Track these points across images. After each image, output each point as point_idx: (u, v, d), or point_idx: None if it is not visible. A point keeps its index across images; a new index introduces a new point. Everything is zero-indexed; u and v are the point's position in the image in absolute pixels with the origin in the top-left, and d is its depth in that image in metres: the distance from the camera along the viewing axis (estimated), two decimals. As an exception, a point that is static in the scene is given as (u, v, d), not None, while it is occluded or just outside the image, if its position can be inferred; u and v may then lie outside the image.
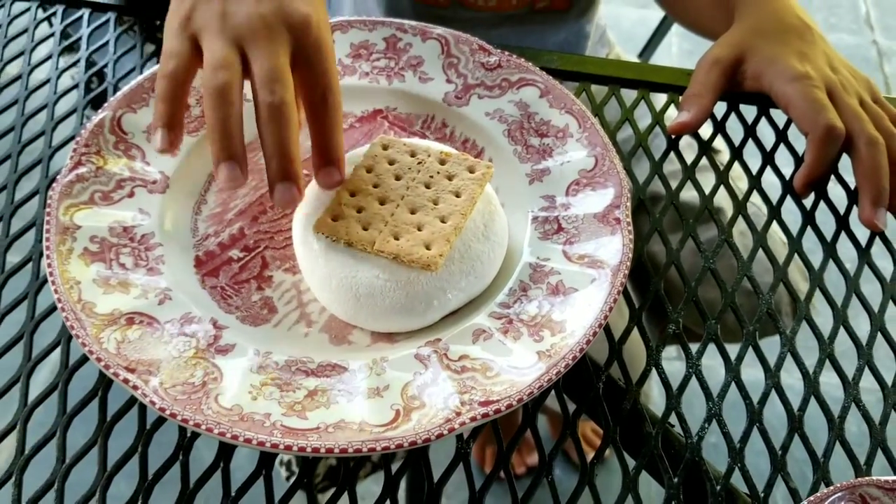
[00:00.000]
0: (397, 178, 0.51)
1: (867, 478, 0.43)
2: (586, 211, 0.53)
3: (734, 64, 0.63)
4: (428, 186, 0.51)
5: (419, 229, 0.49)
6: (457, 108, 0.59)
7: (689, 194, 0.61)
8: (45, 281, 0.51)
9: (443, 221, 0.49)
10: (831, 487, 0.42)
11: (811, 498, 0.42)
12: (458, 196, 0.50)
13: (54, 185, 0.51)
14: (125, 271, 0.48)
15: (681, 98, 0.64)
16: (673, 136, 0.62)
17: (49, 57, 0.68)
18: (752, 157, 0.62)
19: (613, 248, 0.50)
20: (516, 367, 0.45)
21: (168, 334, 0.46)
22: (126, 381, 0.43)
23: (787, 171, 0.61)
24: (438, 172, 0.51)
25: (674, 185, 0.60)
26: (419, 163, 0.52)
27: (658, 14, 1.39)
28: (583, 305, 0.48)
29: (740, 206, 0.59)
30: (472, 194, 0.50)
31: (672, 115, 0.70)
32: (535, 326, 0.47)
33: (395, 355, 0.46)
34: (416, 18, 0.63)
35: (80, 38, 0.69)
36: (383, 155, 0.52)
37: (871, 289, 0.54)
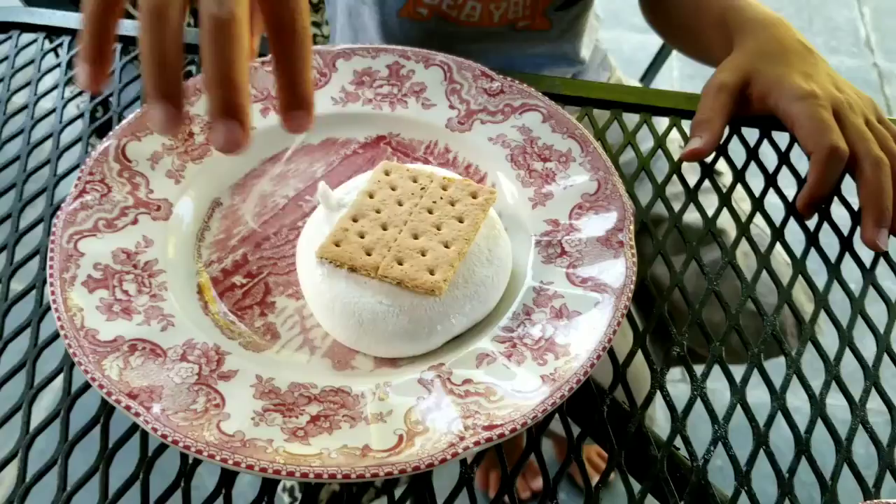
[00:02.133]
0: (400, 203, 0.51)
1: (876, 501, 0.42)
2: (589, 234, 0.53)
3: (740, 87, 0.63)
4: (431, 212, 0.51)
5: (423, 254, 0.49)
6: (459, 134, 0.59)
7: (691, 216, 0.61)
8: (49, 308, 0.51)
9: (446, 246, 0.49)
10: (840, 510, 0.42)
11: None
12: (461, 221, 0.50)
13: (59, 213, 0.51)
14: (128, 298, 0.48)
15: (690, 124, 0.64)
16: (684, 161, 0.62)
17: (55, 87, 0.69)
18: (755, 179, 0.62)
19: (617, 271, 0.50)
20: (520, 391, 0.45)
21: (170, 361, 0.46)
22: (128, 407, 0.42)
23: (790, 192, 0.61)
24: (441, 198, 0.52)
25: (676, 207, 0.60)
26: (422, 188, 0.52)
27: (659, 39, 1.39)
28: (586, 329, 0.47)
29: (744, 228, 0.58)
30: (476, 219, 0.50)
31: (674, 139, 0.70)
32: (538, 350, 0.47)
33: (399, 380, 0.46)
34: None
35: None
36: (386, 181, 0.53)
37: (877, 310, 0.54)
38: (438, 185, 0.52)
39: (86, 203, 0.52)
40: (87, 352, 0.45)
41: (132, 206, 0.53)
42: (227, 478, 0.45)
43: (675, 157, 0.63)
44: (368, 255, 0.49)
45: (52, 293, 0.47)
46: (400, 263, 0.48)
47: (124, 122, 0.56)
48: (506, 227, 0.54)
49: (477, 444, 0.42)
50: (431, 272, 0.48)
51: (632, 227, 0.52)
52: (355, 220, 0.50)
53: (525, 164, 0.57)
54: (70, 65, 0.71)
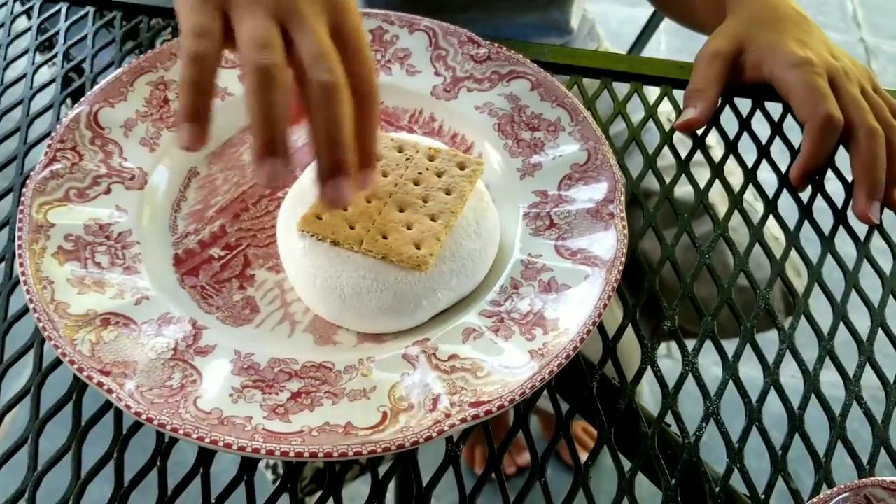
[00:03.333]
0: (384, 174, 0.50)
1: (872, 478, 0.41)
2: (579, 206, 0.51)
3: (734, 55, 0.62)
4: (417, 183, 0.49)
5: (408, 228, 0.47)
6: (445, 102, 0.58)
7: (681, 190, 0.60)
8: (18, 282, 0.49)
9: (433, 220, 0.48)
10: (835, 489, 0.41)
11: (815, 499, 0.41)
12: (448, 193, 0.49)
13: (28, 182, 0.49)
14: (101, 270, 0.46)
15: (683, 94, 0.62)
16: (677, 132, 0.61)
17: (26, 52, 0.66)
18: (747, 153, 0.60)
19: (607, 243, 0.48)
20: (508, 367, 0.43)
21: (145, 335, 0.44)
22: (100, 384, 0.41)
23: (783, 165, 0.60)
24: (427, 169, 0.50)
25: (667, 179, 0.58)
26: (407, 159, 0.50)
27: (646, 12, 1.37)
28: (576, 303, 0.46)
29: (735, 201, 0.57)
30: (463, 191, 0.49)
31: (664, 110, 0.69)
32: (526, 325, 0.45)
33: (382, 356, 0.44)
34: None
35: (57, 33, 0.67)
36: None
37: (871, 283, 0.53)
38: (424, 156, 0.50)
39: (56, 171, 0.50)
40: (58, 326, 0.43)
41: (105, 174, 0.51)
42: (206, 456, 0.43)
43: (666, 127, 0.62)
44: (352, 227, 0.47)
45: (21, 266, 0.45)
46: (384, 237, 0.47)
47: (97, 87, 0.54)
48: (493, 198, 0.52)
49: (463, 420, 0.41)
50: (417, 246, 0.46)
51: (623, 199, 0.50)
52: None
53: (513, 134, 0.56)
54: (42, 29, 0.68)
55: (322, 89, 0.39)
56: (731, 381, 0.48)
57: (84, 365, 0.41)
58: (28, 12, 0.70)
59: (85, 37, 0.67)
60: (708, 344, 0.50)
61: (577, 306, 0.46)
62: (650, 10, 1.29)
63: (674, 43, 2.21)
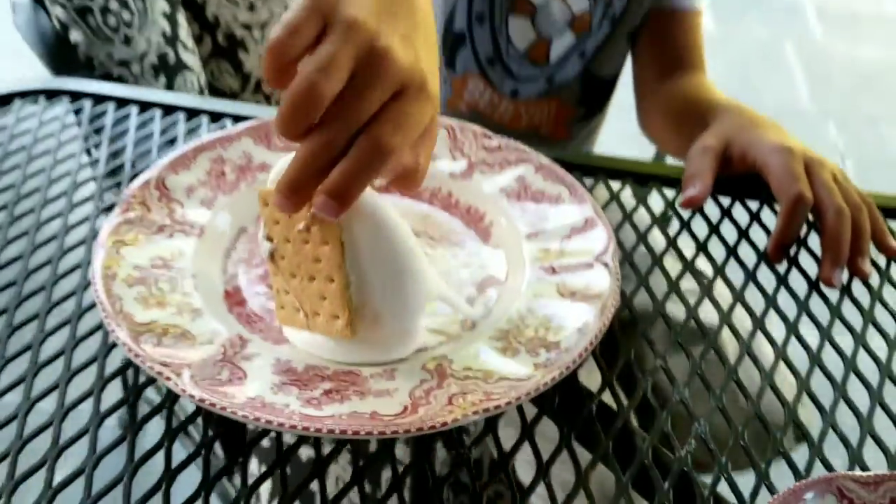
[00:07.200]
0: (287, 240, 0.48)
1: (843, 472, 0.46)
2: (578, 260, 0.59)
3: (722, 148, 0.72)
4: (306, 241, 0.47)
5: (323, 298, 0.48)
6: (461, 181, 0.67)
7: (674, 308, 0.63)
8: (79, 342, 0.55)
9: (331, 281, 0.48)
10: (808, 479, 0.45)
11: (789, 488, 0.45)
12: (325, 243, 0.47)
13: (104, 225, 0.57)
14: (162, 294, 0.54)
15: (682, 181, 0.70)
16: (682, 208, 0.69)
17: (72, 156, 0.74)
18: (735, 274, 0.65)
19: (603, 285, 0.56)
20: (515, 375, 0.49)
21: (198, 344, 0.50)
22: (160, 373, 0.47)
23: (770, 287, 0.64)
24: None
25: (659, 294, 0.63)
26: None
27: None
28: (574, 330, 0.53)
29: (726, 320, 0.61)
30: (335, 236, 0.46)
31: (642, 219, 0.76)
32: (532, 346, 0.52)
33: (404, 367, 0.51)
34: None
35: (103, 127, 0.77)
36: (268, 215, 0.48)
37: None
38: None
39: (128, 219, 0.58)
40: (125, 328, 0.49)
41: (169, 224, 0.59)
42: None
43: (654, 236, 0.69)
44: (297, 311, 0.50)
45: (94, 286, 0.53)
46: (317, 315, 0.49)
47: (164, 159, 0.64)
48: (505, 257, 0.60)
49: (476, 413, 0.46)
50: (336, 316, 0.48)
51: (615, 253, 0.58)
52: (275, 275, 0.50)
53: (520, 206, 0.64)
54: (96, 131, 0.77)
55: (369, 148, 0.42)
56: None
57: (147, 359, 0.48)
58: (77, 112, 0.80)
59: (127, 131, 0.76)
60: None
61: (576, 333, 0.52)
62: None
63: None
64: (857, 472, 0.46)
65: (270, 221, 0.48)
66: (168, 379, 0.47)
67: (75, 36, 1.14)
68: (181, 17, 1.20)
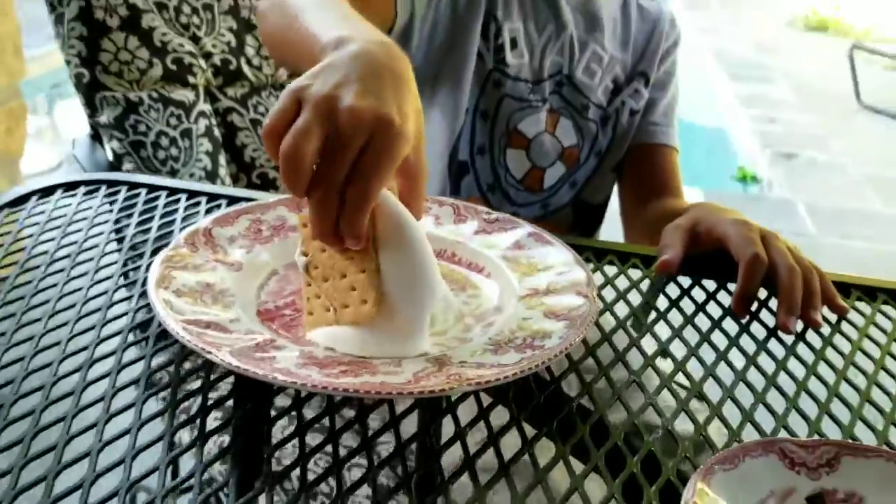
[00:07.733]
0: (323, 250, 0.60)
1: (783, 436, 0.53)
2: (562, 295, 0.68)
3: (692, 226, 0.83)
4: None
5: (353, 289, 0.59)
6: (463, 243, 0.77)
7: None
8: (132, 329, 0.65)
9: (361, 271, 0.58)
10: (752, 441, 0.52)
11: (734, 447, 0.52)
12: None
13: (157, 256, 0.68)
14: (206, 305, 0.63)
15: (657, 252, 0.82)
16: (658, 272, 0.79)
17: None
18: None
19: (582, 309, 0.65)
20: (503, 362, 0.58)
21: (235, 337, 0.59)
22: (203, 349, 0.56)
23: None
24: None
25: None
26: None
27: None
28: (558, 338, 0.61)
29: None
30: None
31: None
32: (520, 348, 0.61)
33: (410, 357, 0.59)
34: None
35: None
36: (307, 234, 0.59)
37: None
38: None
39: (178, 253, 0.69)
40: (173, 318, 0.59)
41: (212, 261, 0.70)
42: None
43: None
44: (328, 311, 0.60)
45: (147, 297, 0.62)
46: (346, 306, 0.59)
47: (209, 216, 0.75)
48: (500, 296, 0.70)
49: (469, 383, 0.54)
50: (365, 301, 0.58)
51: (593, 286, 0.68)
52: (309, 285, 0.61)
53: (514, 259, 0.74)
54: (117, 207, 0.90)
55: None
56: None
57: (192, 340, 0.57)
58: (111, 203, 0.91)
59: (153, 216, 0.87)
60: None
61: (559, 340, 0.61)
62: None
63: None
64: (798, 439, 0.53)
65: (307, 239, 0.60)
66: (209, 353, 0.55)
67: (127, 167, 1.30)
68: (222, 158, 1.36)
